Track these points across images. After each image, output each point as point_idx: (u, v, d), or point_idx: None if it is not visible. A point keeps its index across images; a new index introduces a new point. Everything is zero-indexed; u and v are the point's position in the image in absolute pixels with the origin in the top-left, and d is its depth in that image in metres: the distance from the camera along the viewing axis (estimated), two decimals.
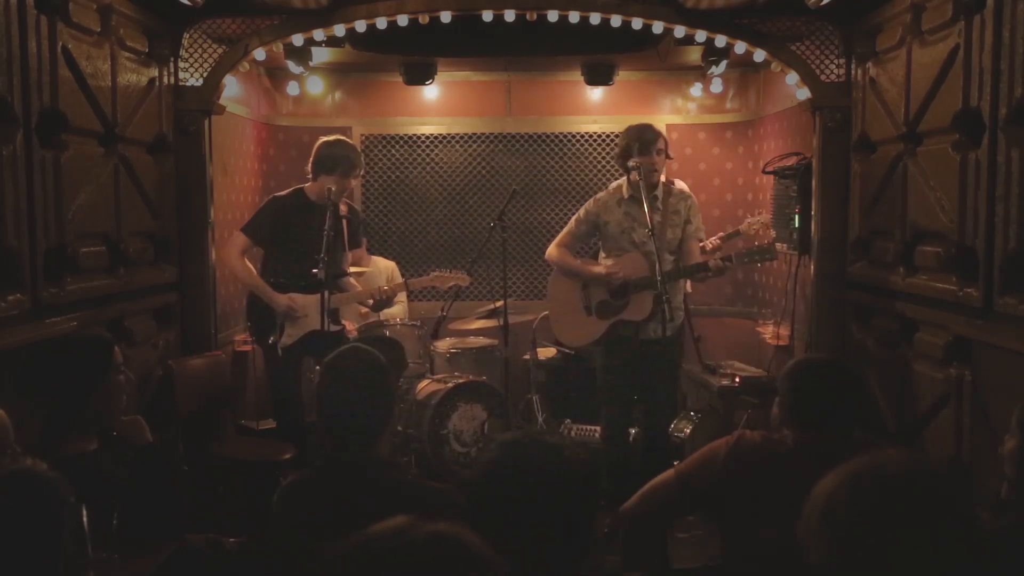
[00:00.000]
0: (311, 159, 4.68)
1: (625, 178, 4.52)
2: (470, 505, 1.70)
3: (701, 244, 4.94)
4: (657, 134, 4.47)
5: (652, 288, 4.30)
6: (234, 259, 4.69)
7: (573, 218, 4.71)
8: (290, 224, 4.63)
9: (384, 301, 4.89)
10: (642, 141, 4.40)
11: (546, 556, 1.63)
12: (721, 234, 5.61)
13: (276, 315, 4.59)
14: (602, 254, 4.68)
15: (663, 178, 5.43)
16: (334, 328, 4.62)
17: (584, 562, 1.70)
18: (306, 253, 4.44)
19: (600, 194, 4.67)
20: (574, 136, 6.59)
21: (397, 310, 5.83)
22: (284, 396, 4.72)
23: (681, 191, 4.71)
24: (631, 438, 4.86)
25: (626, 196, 4.51)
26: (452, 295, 5.68)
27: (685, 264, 4.51)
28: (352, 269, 5.01)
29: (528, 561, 1.60)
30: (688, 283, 5.32)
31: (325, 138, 4.72)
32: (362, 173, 4.66)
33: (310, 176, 4.70)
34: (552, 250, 4.70)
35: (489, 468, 1.70)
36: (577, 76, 6.26)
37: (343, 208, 4.70)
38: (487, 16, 4.59)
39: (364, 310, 5.51)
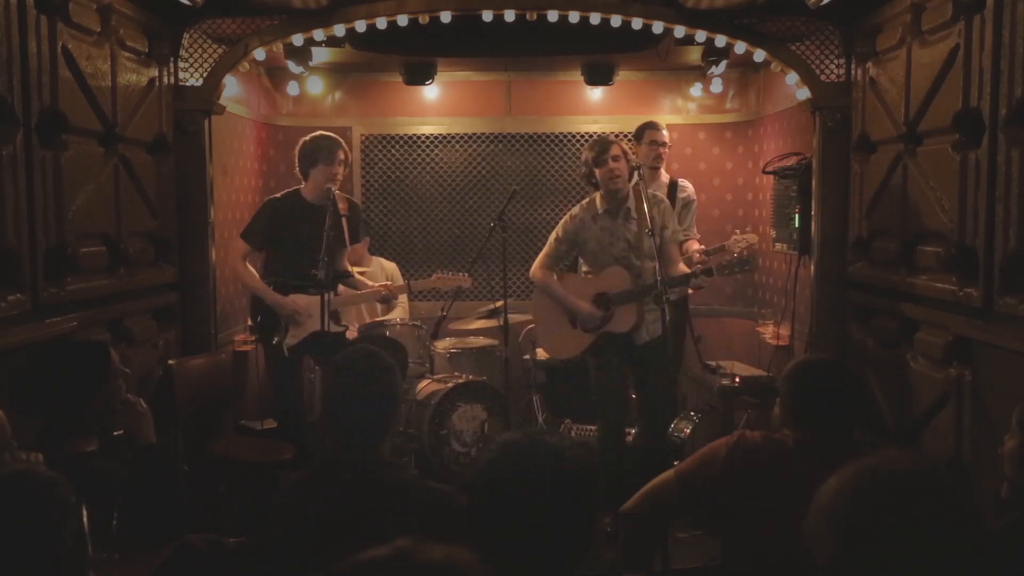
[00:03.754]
0: (296, 161, 4.69)
1: (599, 192, 4.51)
2: (470, 506, 1.70)
3: (686, 244, 4.99)
4: (609, 143, 4.44)
5: (635, 300, 4.39)
6: (238, 266, 4.70)
7: (551, 237, 4.66)
8: (286, 225, 4.63)
9: (388, 296, 4.92)
10: (595, 154, 4.41)
11: (546, 556, 1.62)
12: (703, 248, 5.36)
13: (280, 316, 4.60)
14: (583, 268, 4.72)
15: (666, 178, 5.45)
16: (336, 329, 4.62)
17: (584, 561, 1.70)
18: (304, 254, 4.45)
19: (574, 210, 4.61)
20: (574, 136, 6.59)
21: (398, 311, 5.84)
22: (287, 396, 4.71)
23: (654, 195, 4.65)
24: (631, 437, 4.87)
25: (600, 211, 4.49)
26: (452, 295, 5.68)
27: (667, 271, 4.43)
28: (354, 270, 5.02)
29: (528, 561, 1.60)
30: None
31: (304, 137, 4.74)
32: (345, 158, 4.65)
33: (302, 177, 4.70)
34: (536, 272, 4.68)
35: (488, 469, 1.70)
36: (577, 76, 6.26)
37: (343, 206, 4.69)
38: (487, 16, 4.59)
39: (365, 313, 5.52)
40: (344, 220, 4.67)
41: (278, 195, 4.80)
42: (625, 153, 4.45)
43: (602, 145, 4.43)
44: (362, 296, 4.94)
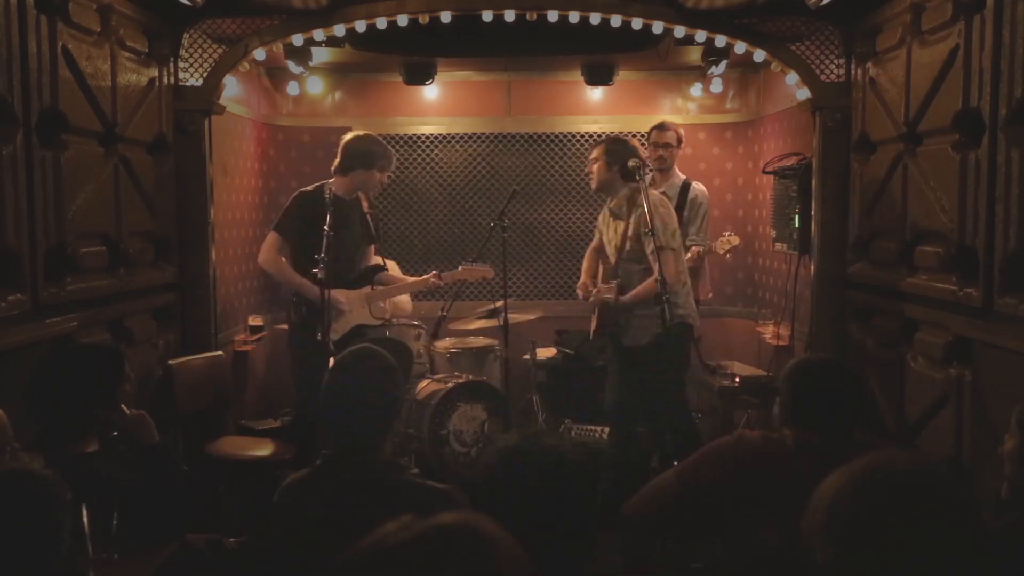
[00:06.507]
0: (343, 154, 4.62)
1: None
2: (473, 507, 1.70)
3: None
4: (592, 147, 4.67)
5: (598, 304, 4.50)
6: (271, 260, 4.62)
7: None
8: (321, 220, 4.53)
9: (433, 287, 5.07)
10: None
11: (549, 558, 1.62)
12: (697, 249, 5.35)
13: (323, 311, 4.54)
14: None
15: (680, 179, 5.41)
16: (375, 322, 4.75)
17: (588, 562, 1.70)
18: (343, 249, 4.45)
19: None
20: (574, 136, 6.58)
21: (408, 307, 5.80)
22: (313, 392, 4.62)
23: (658, 197, 4.64)
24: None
25: (612, 207, 4.61)
26: (452, 295, 5.68)
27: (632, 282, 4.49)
28: None
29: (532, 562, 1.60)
30: (706, 289, 5.48)
31: (355, 133, 4.73)
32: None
33: (338, 171, 4.64)
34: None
35: (489, 472, 1.70)
36: (577, 76, 6.25)
37: (365, 204, 4.75)
38: (487, 16, 4.60)
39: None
40: (368, 217, 4.74)
41: (309, 188, 4.71)
42: (604, 155, 4.52)
43: (592, 146, 4.71)
44: (408, 286, 5.03)
